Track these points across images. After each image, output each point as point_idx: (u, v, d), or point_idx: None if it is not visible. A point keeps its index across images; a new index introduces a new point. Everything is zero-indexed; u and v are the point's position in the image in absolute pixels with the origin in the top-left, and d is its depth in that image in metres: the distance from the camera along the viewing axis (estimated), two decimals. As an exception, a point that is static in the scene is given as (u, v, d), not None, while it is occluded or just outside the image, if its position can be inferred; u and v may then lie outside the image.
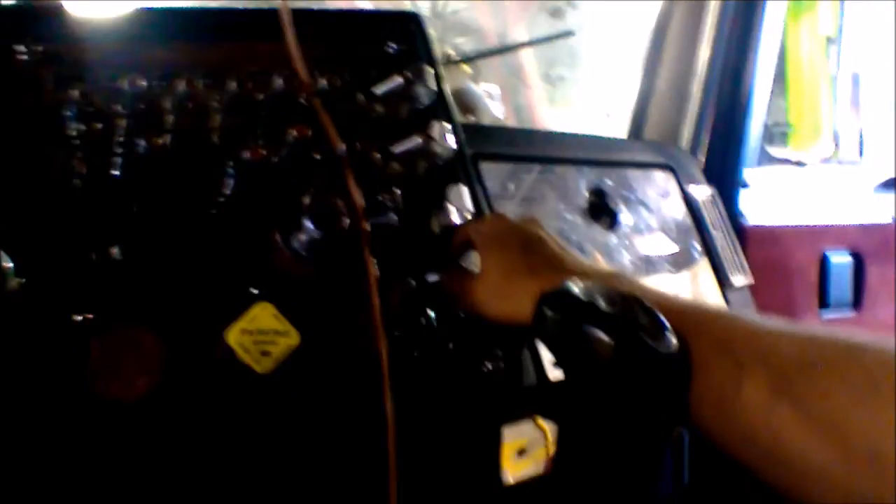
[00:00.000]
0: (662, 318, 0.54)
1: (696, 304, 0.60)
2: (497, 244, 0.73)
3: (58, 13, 0.75)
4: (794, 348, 0.51)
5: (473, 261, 0.78)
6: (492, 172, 1.04)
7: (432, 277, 0.78)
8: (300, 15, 0.80)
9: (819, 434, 0.47)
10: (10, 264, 0.62)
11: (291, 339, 0.62)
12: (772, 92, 1.66)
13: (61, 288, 0.63)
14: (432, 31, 0.94)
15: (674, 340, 0.53)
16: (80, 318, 0.62)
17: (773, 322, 0.55)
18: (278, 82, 0.77)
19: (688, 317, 0.57)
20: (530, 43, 2.00)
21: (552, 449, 1.35)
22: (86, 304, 0.62)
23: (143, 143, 0.69)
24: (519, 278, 0.69)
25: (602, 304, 0.52)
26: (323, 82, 0.78)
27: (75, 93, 0.68)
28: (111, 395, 0.58)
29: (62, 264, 0.64)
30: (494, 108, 1.56)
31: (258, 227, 0.73)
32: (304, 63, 0.78)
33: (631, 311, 0.53)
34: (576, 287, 0.54)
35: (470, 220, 0.81)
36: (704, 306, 0.60)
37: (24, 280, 0.62)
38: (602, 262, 1.11)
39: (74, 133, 0.69)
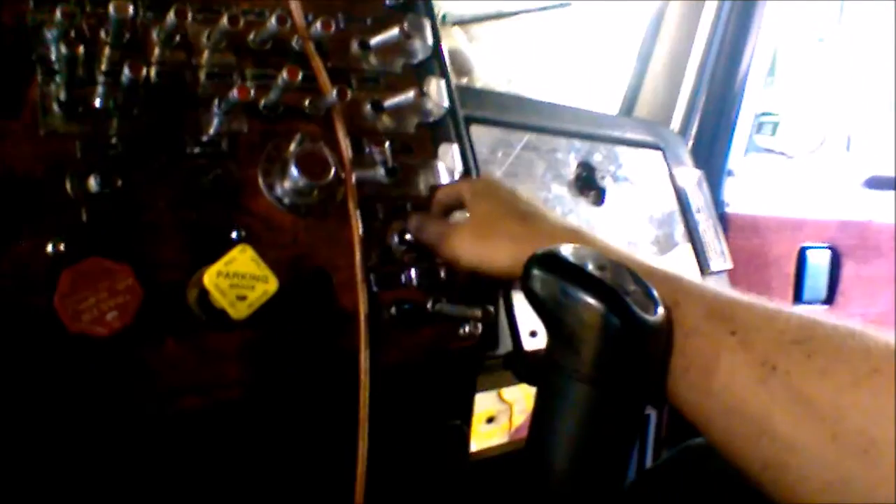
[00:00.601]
0: (652, 288, 0.53)
1: (686, 275, 0.60)
2: (486, 195, 0.73)
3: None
4: (792, 323, 0.51)
5: (457, 219, 0.77)
6: (482, 136, 1.02)
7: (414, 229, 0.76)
8: (300, -44, 0.77)
9: (810, 412, 0.47)
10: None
11: (269, 284, 0.60)
12: (763, 82, 1.65)
13: (34, 217, 0.60)
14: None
15: (661, 311, 0.52)
16: (51, 248, 0.60)
17: (766, 301, 0.55)
18: (271, 23, 0.74)
19: (680, 283, 0.57)
20: (526, 11, 1.98)
21: (516, 421, 1.36)
22: (58, 235, 0.60)
23: (126, 73, 0.66)
24: (502, 224, 0.69)
25: (592, 268, 0.51)
26: (317, 27, 0.75)
27: (58, 14, 0.65)
28: (80, 329, 0.56)
29: (35, 193, 0.61)
30: (487, 72, 1.54)
31: (241, 169, 0.71)
32: (300, 6, 0.76)
33: (621, 277, 0.52)
34: (566, 250, 0.53)
35: (459, 179, 0.81)
36: (694, 278, 0.59)
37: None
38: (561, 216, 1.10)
39: (55, 56, 0.66)
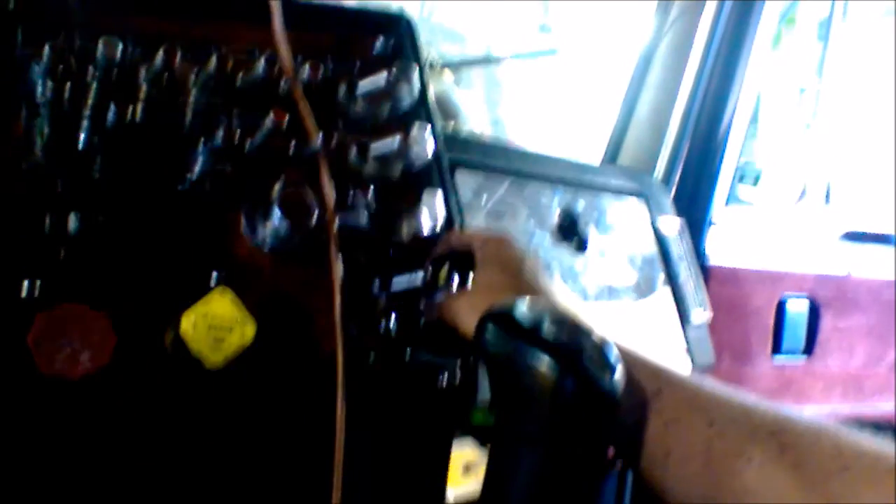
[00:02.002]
0: (611, 350, 0.52)
1: (666, 364, 0.61)
2: (494, 261, 0.73)
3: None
4: (768, 417, 0.53)
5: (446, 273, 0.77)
6: (466, 181, 1.03)
7: (397, 282, 0.76)
8: (290, 3, 0.78)
9: (792, 495, 0.48)
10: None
11: (247, 330, 0.60)
12: (746, 133, 1.68)
13: (10, 255, 0.60)
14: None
15: (619, 377, 0.51)
16: (27, 287, 0.59)
17: (745, 394, 0.56)
18: (260, 65, 0.75)
19: (662, 372, 0.59)
20: (513, 56, 2.00)
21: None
22: (35, 275, 0.59)
23: (112, 111, 0.66)
24: (502, 297, 0.68)
25: (549, 327, 0.50)
26: (306, 71, 0.76)
27: (47, 50, 0.65)
28: (54, 371, 0.55)
29: (13, 230, 0.61)
30: (473, 118, 1.55)
31: (224, 211, 0.70)
32: (289, 49, 0.76)
33: (578, 337, 0.51)
34: (523, 306, 0.52)
35: (466, 231, 0.81)
36: (673, 366, 0.61)
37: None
38: (565, 288, 1.10)
39: (41, 92, 0.66)
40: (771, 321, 1.62)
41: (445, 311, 0.72)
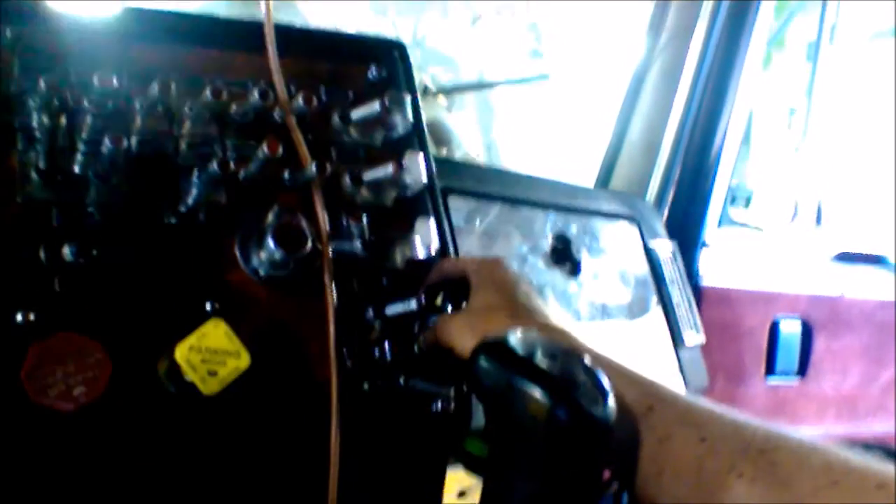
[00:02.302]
0: (604, 379, 0.52)
1: (658, 381, 0.61)
2: (489, 284, 0.73)
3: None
4: (759, 434, 0.53)
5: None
6: (459, 207, 1.03)
7: (391, 308, 0.76)
8: (284, 30, 0.79)
9: None
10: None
11: (241, 360, 0.60)
12: (737, 155, 1.69)
13: (5, 285, 0.60)
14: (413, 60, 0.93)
15: (612, 405, 0.51)
16: (21, 318, 0.59)
17: (736, 412, 0.57)
18: (254, 95, 0.75)
19: (653, 388, 0.59)
20: (506, 82, 2.02)
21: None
22: (30, 304, 0.60)
23: (107, 142, 0.66)
24: (496, 317, 0.69)
25: (541, 358, 0.50)
26: (299, 100, 0.76)
27: (42, 83, 0.66)
28: (47, 403, 0.55)
29: (8, 260, 0.61)
30: (466, 142, 1.56)
31: (218, 240, 0.71)
32: (283, 79, 0.77)
33: (571, 367, 0.51)
34: (515, 337, 0.53)
35: (460, 257, 0.83)
36: (665, 383, 0.61)
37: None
38: (558, 309, 1.11)
39: (37, 124, 0.66)
40: (764, 342, 1.62)
41: (441, 333, 0.72)
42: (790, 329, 1.65)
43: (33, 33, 0.70)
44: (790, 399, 1.70)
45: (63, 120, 0.67)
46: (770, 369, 1.64)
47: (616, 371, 0.58)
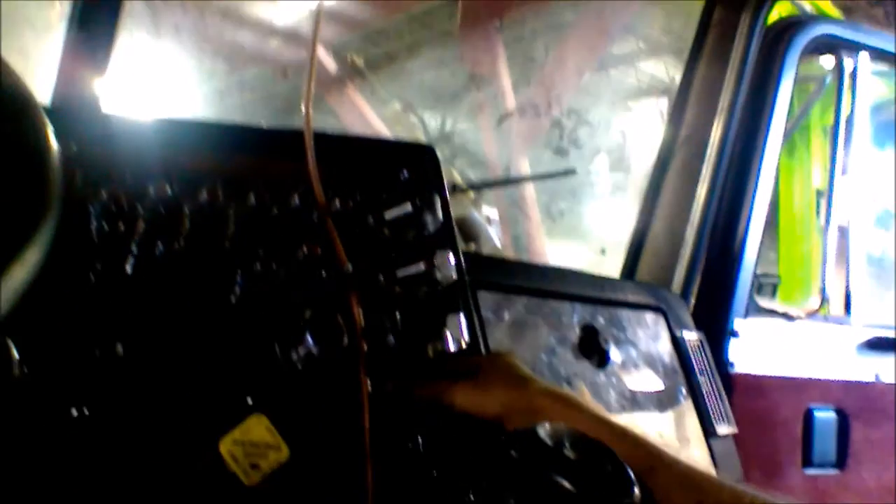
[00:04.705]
0: (630, 470, 0.55)
1: (659, 441, 0.64)
2: (498, 368, 0.80)
3: (94, 115, 0.79)
4: (757, 501, 0.56)
5: None
6: (488, 300, 1.07)
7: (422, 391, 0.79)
8: (321, 138, 0.84)
9: None
10: (16, 353, 0.63)
11: (281, 453, 0.63)
12: (762, 243, 1.71)
13: (62, 380, 0.64)
14: (440, 155, 0.98)
15: (637, 493, 0.53)
16: (76, 412, 0.63)
17: (733, 482, 0.60)
18: (294, 199, 0.80)
19: (655, 450, 0.62)
20: (533, 178, 2.08)
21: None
22: (85, 398, 0.63)
23: (160, 245, 0.71)
24: (500, 380, 0.76)
25: (569, 450, 0.53)
26: (336, 203, 0.81)
27: (103, 193, 0.71)
28: None
29: (66, 357, 0.65)
30: (494, 234, 1.60)
31: (260, 337, 0.74)
32: (321, 183, 0.82)
33: (598, 460, 0.54)
34: (543, 430, 0.55)
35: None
36: (666, 445, 0.64)
37: (27, 370, 0.63)
38: (589, 398, 1.12)
39: (95, 230, 0.71)
40: (799, 432, 1.60)
41: (447, 393, 0.77)
42: (825, 418, 1.63)
43: (94, 146, 0.76)
44: (830, 491, 1.66)
45: (120, 226, 0.72)
46: (807, 460, 1.61)
47: (619, 430, 0.61)
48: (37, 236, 0.39)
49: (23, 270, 0.38)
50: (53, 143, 0.42)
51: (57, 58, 0.98)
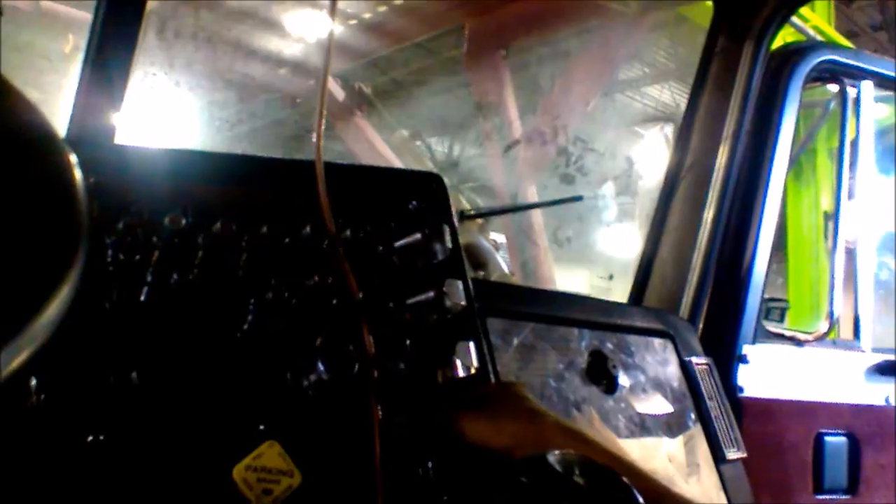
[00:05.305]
0: (637, 495, 0.56)
1: (664, 479, 0.65)
2: (507, 398, 0.81)
3: (110, 146, 0.81)
4: None
5: None
6: (496, 326, 1.08)
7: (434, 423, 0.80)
8: (332, 168, 0.86)
9: None
10: (34, 381, 0.64)
11: (294, 479, 0.63)
12: (771, 268, 1.71)
13: (78, 407, 0.65)
14: (447, 181, 1.00)
15: None
16: (91, 438, 0.64)
17: None
18: (306, 229, 0.82)
19: (661, 487, 0.63)
20: (540, 204, 2.10)
21: None
22: (101, 425, 0.64)
23: (174, 274, 0.73)
24: (509, 411, 0.76)
25: (578, 476, 0.54)
26: (347, 233, 0.83)
27: (120, 225, 0.73)
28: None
29: (82, 385, 0.66)
30: (502, 261, 1.62)
31: (272, 364, 0.76)
32: (331, 213, 0.84)
33: (607, 487, 0.55)
34: (553, 457, 0.56)
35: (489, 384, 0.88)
36: (673, 483, 0.66)
37: (43, 396, 0.64)
38: (598, 423, 1.13)
39: (111, 260, 0.73)
40: (809, 457, 1.59)
41: (457, 423, 0.78)
42: (836, 443, 1.62)
43: (111, 178, 0.77)
44: (843, 517, 1.64)
45: (136, 257, 0.73)
46: (818, 486, 1.60)
47: (631, 468, 0.62)
48: (70, 273, 0.41)
49: (58, 307, 0.40)
50: (81, 183, 0.44)
51: (73, 90, 1.01)
